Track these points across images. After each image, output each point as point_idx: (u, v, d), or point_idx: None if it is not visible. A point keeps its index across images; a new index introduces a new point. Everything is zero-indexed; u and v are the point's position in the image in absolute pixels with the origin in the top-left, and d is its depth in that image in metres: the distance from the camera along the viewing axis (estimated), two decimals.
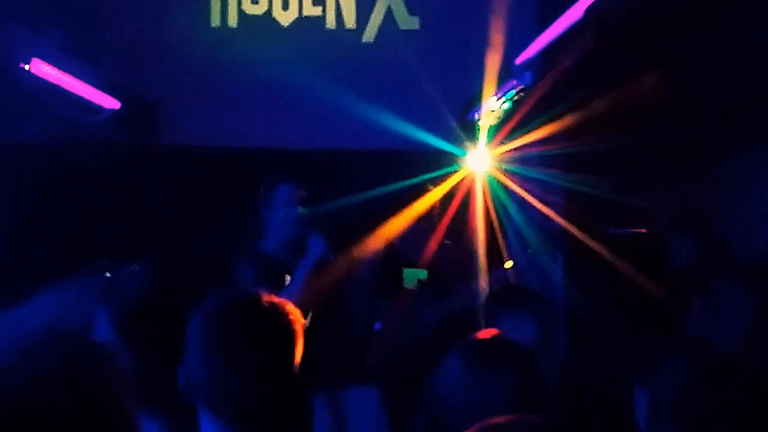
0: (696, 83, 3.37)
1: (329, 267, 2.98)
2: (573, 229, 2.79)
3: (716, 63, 3.20)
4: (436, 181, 3.54)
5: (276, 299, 1.32)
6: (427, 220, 3.42)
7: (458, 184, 3.66)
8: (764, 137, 3.34)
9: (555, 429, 0.82)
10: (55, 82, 3.23)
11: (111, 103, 3.68)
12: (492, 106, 3.68)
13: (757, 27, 3.10)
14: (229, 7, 4.04)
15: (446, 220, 3.47)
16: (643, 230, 2.81)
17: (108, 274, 2.16)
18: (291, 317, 1.30)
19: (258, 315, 1.27)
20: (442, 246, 3.38)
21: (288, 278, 2.89)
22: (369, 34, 4.10)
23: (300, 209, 2.90)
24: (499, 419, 0.82)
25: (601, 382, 2.03)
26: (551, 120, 3.51)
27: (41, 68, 3.07)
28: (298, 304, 2.97)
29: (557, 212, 3.33)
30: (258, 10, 4.07)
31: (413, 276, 3.39)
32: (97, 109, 3.63)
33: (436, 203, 3.46)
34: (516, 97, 3.62)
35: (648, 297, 2.24)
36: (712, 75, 3.28)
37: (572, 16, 3.04)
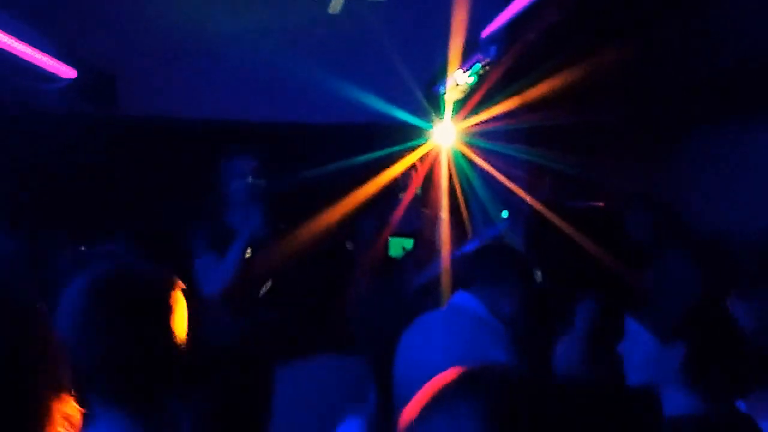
0: (659, 60, 3.40)
1: (290, 237, 2.98)
2: (534, 202, 2.82)
3: (680, 40, 3.22)
4: (404, 155, 3.53)
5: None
6: (396, 193, 3.42)
7: (424, 157, 3.66)
8: (725, 115, 3.40)
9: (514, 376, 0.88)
10: (6, 48, 3.11)
11: (67, 71, 3.57)
12: (458, 80, 3.68)
13: (721, 6, 3.13)
14: None
15: (431, 192, 3.47)
16: (600, 204, 2.86)
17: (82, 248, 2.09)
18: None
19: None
20: (424, 215, 3.39)
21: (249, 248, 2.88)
22: (335, 5, 4.02)
23: (250, 180, 2.89)
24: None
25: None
26: (515, 94, 3.52)
27: None
28: (239, 277, 2.91)
29: (520, 186, 3.36)
30: None
31: (399, 245, 3.40)
32: (53, 78, 3.52)
33: (401, 177, 3.46)
34: (481, 71, 3.62)
35: (604, 269, 2.29)
36: (675, 52, 3.31)
37: None
